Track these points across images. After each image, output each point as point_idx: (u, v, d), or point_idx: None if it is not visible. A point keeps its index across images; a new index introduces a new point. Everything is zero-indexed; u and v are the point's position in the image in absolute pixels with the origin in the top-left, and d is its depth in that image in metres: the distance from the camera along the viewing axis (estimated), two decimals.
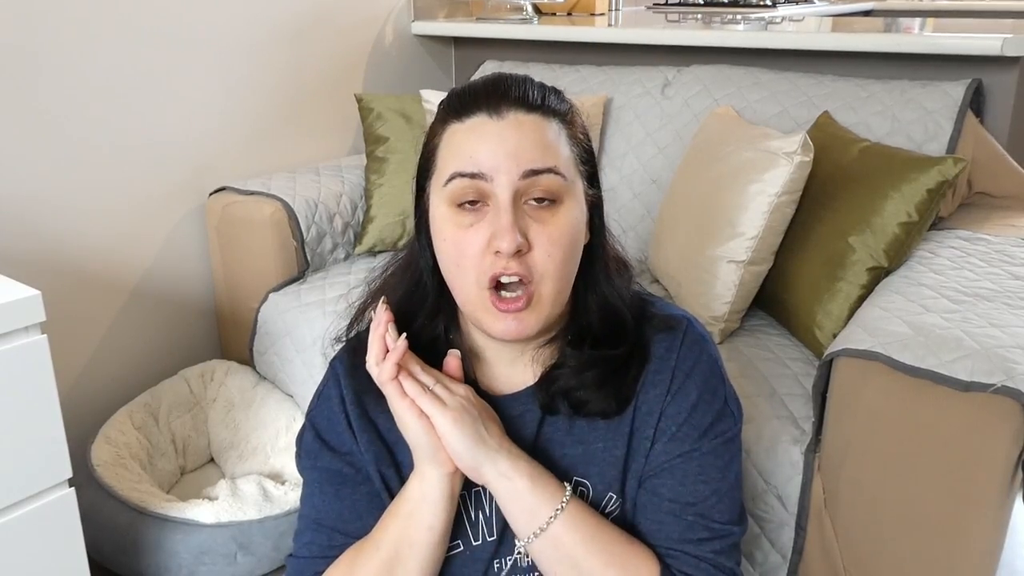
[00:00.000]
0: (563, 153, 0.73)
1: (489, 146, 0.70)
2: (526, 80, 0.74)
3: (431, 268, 0.78)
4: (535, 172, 0.70)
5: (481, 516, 0.80)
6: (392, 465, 0.82)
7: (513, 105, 0.71)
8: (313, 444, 0.84)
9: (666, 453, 0.78)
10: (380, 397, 0.79)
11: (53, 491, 1.08)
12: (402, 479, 0.80)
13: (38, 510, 1.07)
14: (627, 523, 0.80)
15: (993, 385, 0.90)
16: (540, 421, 0.80)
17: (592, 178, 0.77)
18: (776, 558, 1.15)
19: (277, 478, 1.54)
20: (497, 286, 0.72)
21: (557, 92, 0.75)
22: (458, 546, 0.80)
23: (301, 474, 0.86)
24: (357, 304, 0.85)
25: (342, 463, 0.83)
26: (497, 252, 0.70)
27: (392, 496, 0.81)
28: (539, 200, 0.71)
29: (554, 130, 0.72)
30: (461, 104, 0.73)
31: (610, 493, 0.79)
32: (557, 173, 0.71)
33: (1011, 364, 0.91)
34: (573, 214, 0.73)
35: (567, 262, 0.73)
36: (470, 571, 0.80)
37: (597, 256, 0.79)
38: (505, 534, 0.80)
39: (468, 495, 0.80)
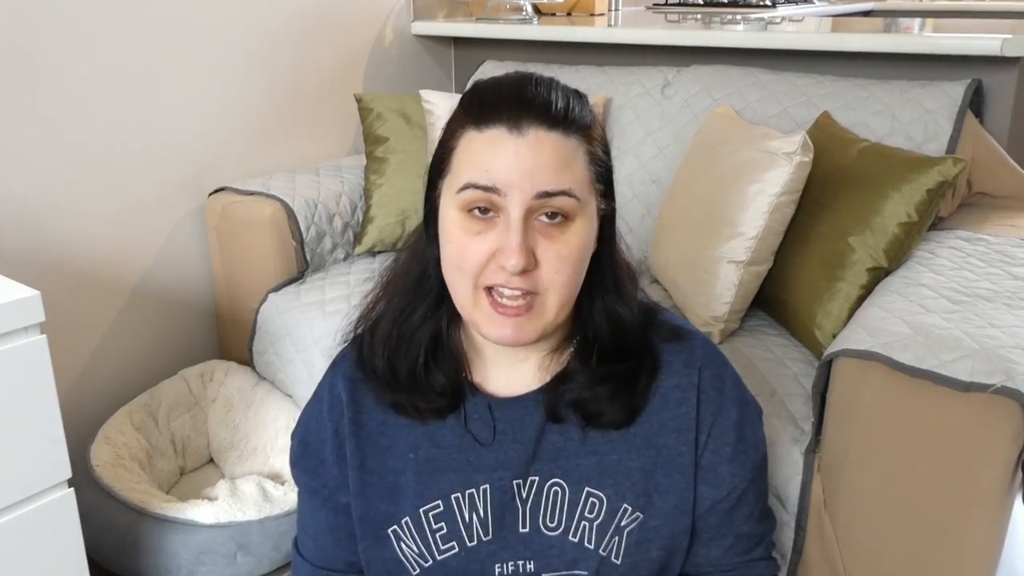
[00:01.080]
0: (579, 174, 0.71)
1: (506, 162, 0.68)
2: (551, 88, 0.72)
3: (436, 261, 0.77)
4: (549, 194, 0.69)
5: (475, 517, 0.80)
6: (379, 470, 0.82)
7: (535, 121, 0.69)
8: (297, 451, 0.88)
9: (732, 476, 0.82)
10: (379, 398, 0.81)
11: (53, 491, 1.08)
12: (390, 483, 0.82)
13: (38, 510, 1.07)
14: (650, 536, 0.80)
15: (993, 385, 0.90)
16: (543, 427, 0.80)
17: (607, 193, 0.76)
18: (775, 558, 1.15)
19: (277, 478, 1.54)
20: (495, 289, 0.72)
21: (582, 101, 0.73)
22: (453, 548, 0.80)
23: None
24: (370, 295, 0.84)
25: (317, 483, 0.86)
26: (502, 266, 0.70)
27: (371, 500, 0.82)
28: (550, 216, 0.70)
29: (573, 149, 0.71)
30: (482, 110, 0.71)
31: (625, 505, 0.79)
32: (571, 195, 0.70)
33: (1011, 364, 0.91)
34: (583, 231, 0.72)
35: (574, 277, 0.73)
36: (467, 572, 0.80)
37: (605, 264, 0.78)
38: (502, 535, 0.80)
39: (462, 496, 0.80)
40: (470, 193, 0.70)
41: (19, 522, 1.05)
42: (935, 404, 0.95)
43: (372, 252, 1.87)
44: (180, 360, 1.83)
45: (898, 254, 1.26)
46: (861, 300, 1.23)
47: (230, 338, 1.84)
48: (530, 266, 0.70)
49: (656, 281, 1.64)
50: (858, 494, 1.04)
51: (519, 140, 0.69)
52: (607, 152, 0.76)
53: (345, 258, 1.88)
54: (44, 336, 1.04)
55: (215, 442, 1.69)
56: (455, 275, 0.73)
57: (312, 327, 1.60)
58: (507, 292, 0.71)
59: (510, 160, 0.68)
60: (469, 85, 0.77)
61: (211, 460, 1.72)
